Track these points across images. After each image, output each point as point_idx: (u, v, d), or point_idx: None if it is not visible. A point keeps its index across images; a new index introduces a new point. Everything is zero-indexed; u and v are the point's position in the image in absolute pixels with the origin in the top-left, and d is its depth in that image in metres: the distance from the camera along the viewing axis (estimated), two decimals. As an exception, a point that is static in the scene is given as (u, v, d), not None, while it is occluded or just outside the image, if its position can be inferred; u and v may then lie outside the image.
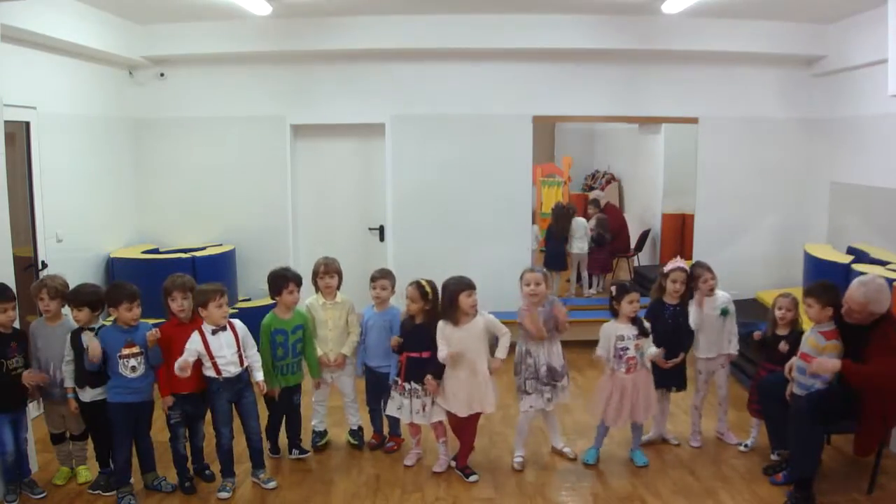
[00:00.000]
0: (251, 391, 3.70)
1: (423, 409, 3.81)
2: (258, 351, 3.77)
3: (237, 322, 3.67)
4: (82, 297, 3.56)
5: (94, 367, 3.44)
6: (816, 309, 3.53)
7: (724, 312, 4.12)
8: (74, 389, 3.53)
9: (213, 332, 3.53)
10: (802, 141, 6.26)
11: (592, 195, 7.90)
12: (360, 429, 4.26)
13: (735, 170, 6.26)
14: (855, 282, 3.45)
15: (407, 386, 3.82)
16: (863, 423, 3.41)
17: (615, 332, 3.84)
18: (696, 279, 4.10)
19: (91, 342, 3.40)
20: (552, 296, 3.98)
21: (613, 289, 3.91)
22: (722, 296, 4.16)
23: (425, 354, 3.77)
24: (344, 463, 4.06)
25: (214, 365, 3.52)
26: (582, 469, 3.95)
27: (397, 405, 3.88)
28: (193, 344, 3.49)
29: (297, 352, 3.91)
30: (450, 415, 3.81)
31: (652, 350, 3.84)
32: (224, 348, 3.53)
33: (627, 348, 3.81)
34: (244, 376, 3.65)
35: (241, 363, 3.60)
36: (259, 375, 3.68)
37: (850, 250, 5.37)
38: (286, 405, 3.99)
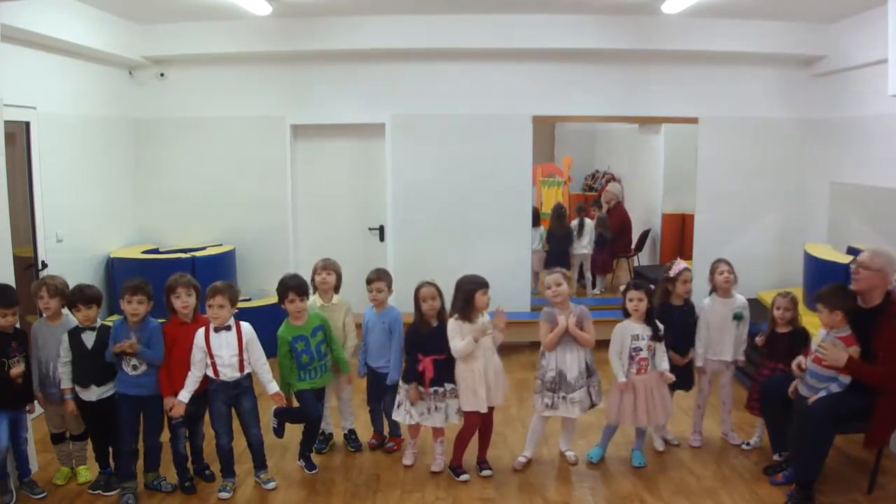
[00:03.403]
0: (250, 398, 3.64)
1: (458, 411, 3.80)
2: (278, 361, 3.76)
3: (245, 325, 3.62)
4: (90, 294, 3.55)
5: (111, 358, 3.47)
6: (825, 313, 3.47)
7: (738, 317, 4.09)
8: (73, 390, 3.54)
9: (216, 330, 3.53)
10: (802, 141, 6.26)
11: (608, 188, 7.80)
12: (353, 432, 4.25)
13: (735, 170, 6.26)
14: (866, 252, 3.50)
15: (440, 389, 3.77)
16: (876, 416, 3.37)
17: (630, 331, 3.81)
18: (712, 272, 4.11)
19: (128, 341, 3.42)
20: (581, 306, 3.90)
21: (622, 288, 3.91)
22: (739, 300, 4.14)
23: (446, 356, 3.77)
24: (344, 463, 4.05)
25: (213, 365, 3.52)
26: (582, 469, 3.95)
27: (420, 411, 3.80)
28: (198, 340, 3.51)
29: (323, 353, 3.85)
30: (470, 415, 3.78)
31: (664, 366, 3.82)
32: (223, 348, 3.51)
33: (640, 349, 3.78)
34: (243, 383, 3.60)
35: (241, 369, 3.56)
36: (272, 387, 3.63)
37: (850, 250, 5.36)
38: (315, 408, 3.86)
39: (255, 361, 3.61)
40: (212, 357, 3.51)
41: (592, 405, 3.89)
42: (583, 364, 3.82)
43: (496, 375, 3.77)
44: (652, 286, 3.95)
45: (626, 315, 3.85)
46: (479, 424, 3.81)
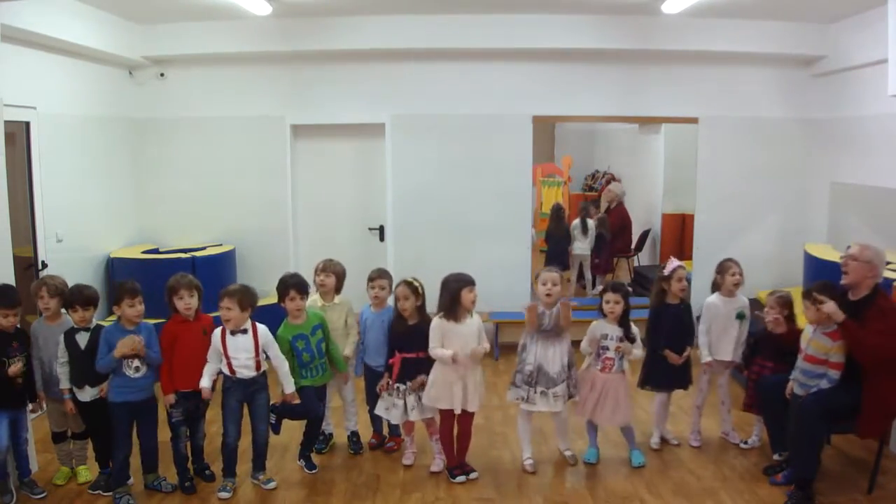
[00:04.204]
0: (265, 395, 3.68)
1: (419, 403, 3.82)
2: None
3: (262, 328, 3.64)
4: (89, 295, 3.55)
5: (111, 365, 3.45)
6: (812, 310, 3.50)
7: (741, 316, 4.12)
8: (72, 390, 3.54)
9: (233, 333, 3.55)
10: (802, 141, 6.26)
11: (610, 187, 7.81)
12: (355, 434, 4.24)
13: (735, 170, 6.25)
14: (855, 245, 3.53)
15: (402, 386, 3.81)
16: (864, 405, 3.39)
17: (601, 330, 3.87)
18: (723, 272, 4.13)
19: (140, 342, 3.43)
20: (563, 298, 3.93)
21: (601, 289, 3.96)
22: (741, 299, 4.17)
23: (422, 355, 3.77)
24: (344, 463, 4.06)
25: (229, 364, 3.55)
26: (582, 469, 3.95)
27: (386, 405, 3.89)
28: (215, 341, 3.55)
29: (323, 351, 3.88)
30: (445, 413, 3.79)
31: (636, 352, 3.87)
32: (240, 351, 3.54)
33: (607, 348, 3.84)
34: (259, 380, 3.64)
35: (258, 368, 3.61)
36: (290, 388, 3.67)
37: (850, 250, 5.36)
38: (315, 406, 3.86)
39: (273, 361, 3.64)
40: (228, 358, 3.54)
41: (570, 396, 3.92)
42: (565, 359, 3.85)
43: (476, 384, 3.75)
44: (630, 289, 4.00)
45: (602, 314, 3.89)
46: (452, 422, 3.80)
